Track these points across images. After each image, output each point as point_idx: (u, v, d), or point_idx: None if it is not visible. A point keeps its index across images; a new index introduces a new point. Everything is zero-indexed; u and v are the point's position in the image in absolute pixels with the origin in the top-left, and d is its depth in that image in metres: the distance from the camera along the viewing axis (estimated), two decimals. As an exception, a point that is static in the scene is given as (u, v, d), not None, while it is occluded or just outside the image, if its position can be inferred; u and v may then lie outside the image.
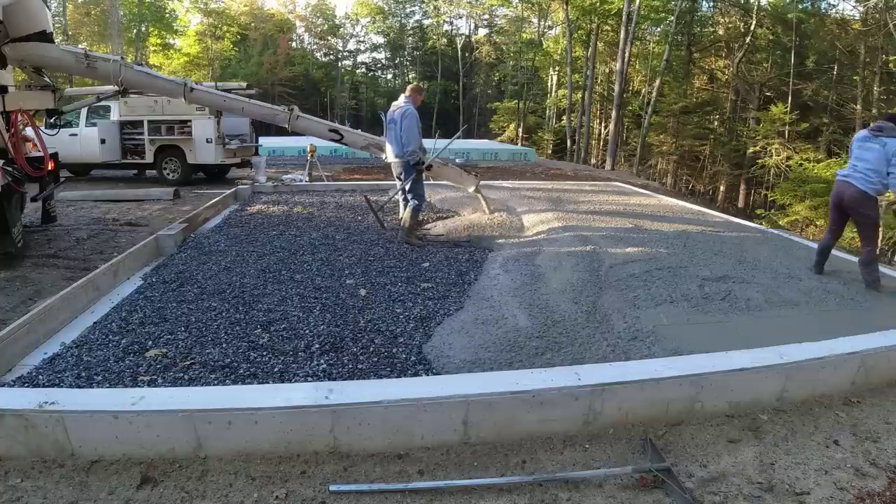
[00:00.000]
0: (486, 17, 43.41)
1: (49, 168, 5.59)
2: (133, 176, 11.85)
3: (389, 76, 51.28)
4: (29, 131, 5.62)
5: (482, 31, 45.34)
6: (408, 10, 45.82)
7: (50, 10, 5.31)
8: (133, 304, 3.67)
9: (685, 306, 3.69)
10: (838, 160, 16.55)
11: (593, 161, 30.22)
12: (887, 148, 3.97)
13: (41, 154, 5.49)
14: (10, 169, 4.82)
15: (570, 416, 2.33)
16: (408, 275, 4.38)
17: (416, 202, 5.39)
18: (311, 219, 6.59)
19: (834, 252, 4.76)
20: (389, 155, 5.54)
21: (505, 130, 37.45)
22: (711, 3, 27.60)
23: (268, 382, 2.61)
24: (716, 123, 25.67)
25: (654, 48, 28.90)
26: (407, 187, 5.46)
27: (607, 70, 30.86)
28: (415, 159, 5.28)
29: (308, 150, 11.90)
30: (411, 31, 46.87)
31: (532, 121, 37.30)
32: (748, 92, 24.33)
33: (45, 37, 5.00)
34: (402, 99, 5.39)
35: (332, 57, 47.30)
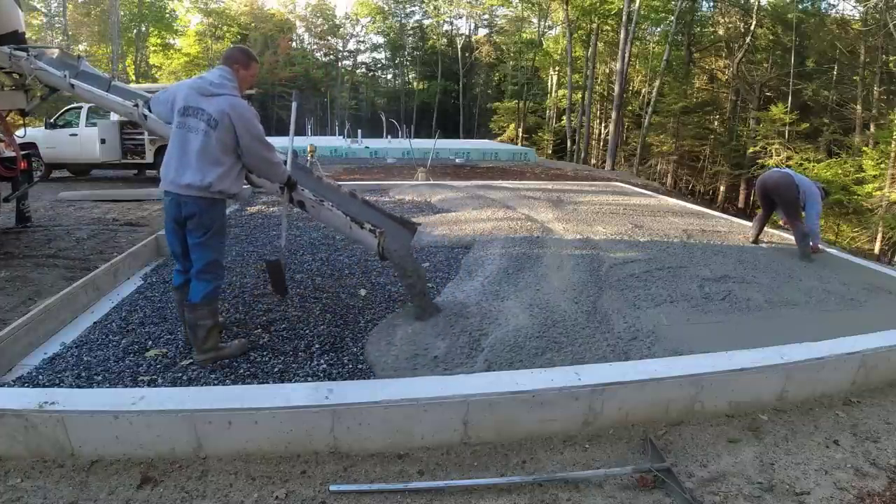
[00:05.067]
0: (486, 17, 43.42)
1: (21, 168, 5.56)
2: (133, 176, 11.86)
3: (389, 76, 51.26)
4: None
5: (482, 31, 45.36)
6: (408, 10, 45.75)
7: (23, 10, 5.18)
8: (133, 304, 3.67)
9: (685, 306, 3.70)
10: (838, 160, 16.55)
11: (593, 161, 30.21)
12: None
13: (13, 154, 5.46)
14: None
15: (570, 416, 2.33)
16: (408, 275, 4.37)
17: (215, 282, 2.82)
18: (311, 219, 6.57)
19: (834, 252, 4.77)
20: (178, 179, 2.64)
21: (505, 130, 37.43)
22: (711, 3, 27.62)
23: (268, 382, 2.62)
24: (716, 123, 25.65)
25: (654, 48, 28.90)
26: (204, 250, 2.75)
27: (607, 70, 30.85)
28: (281, 179, 3.17)
29: (308, 150, 11.90)
30: (411, 31, 46.80)
31: (532, 121, 37.26)
32: (748, 92, 24.32)
33: (17, 37, 4.93)
34: (216, 74, 2.70)
35: (332, 57, 47.25)
